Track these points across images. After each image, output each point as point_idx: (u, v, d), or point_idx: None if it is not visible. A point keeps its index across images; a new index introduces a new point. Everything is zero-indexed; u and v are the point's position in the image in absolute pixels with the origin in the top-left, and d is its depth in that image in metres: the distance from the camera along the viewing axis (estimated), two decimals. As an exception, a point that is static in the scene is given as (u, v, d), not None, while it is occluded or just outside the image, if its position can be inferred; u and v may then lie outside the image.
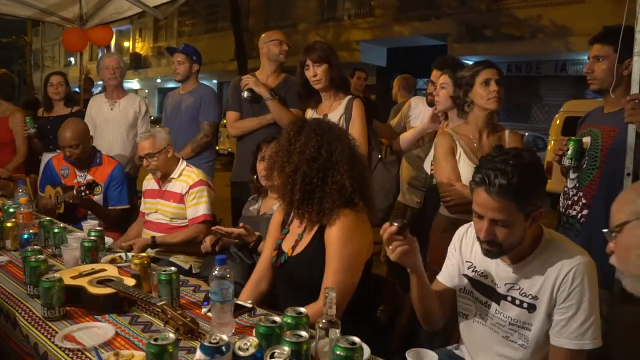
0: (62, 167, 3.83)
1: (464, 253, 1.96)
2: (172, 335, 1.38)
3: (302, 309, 1.60)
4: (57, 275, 1.94)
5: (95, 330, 1.80)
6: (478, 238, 1.75)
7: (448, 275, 1.99)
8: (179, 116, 4.24)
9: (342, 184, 2.02)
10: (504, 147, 1.75)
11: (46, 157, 4.50)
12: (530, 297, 1.74)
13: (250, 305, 1.97)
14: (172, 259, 3.28)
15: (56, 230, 2.62)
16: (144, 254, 2.21)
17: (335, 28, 16.83)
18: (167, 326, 1.74)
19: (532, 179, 1.64)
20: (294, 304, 2.03)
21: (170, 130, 4.23)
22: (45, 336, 1.76)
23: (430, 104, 3.57)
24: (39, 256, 2.15)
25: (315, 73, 3.13)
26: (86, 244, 2.39)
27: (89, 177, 3.68)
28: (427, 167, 3.27)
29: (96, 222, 3.09)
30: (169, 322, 1.73)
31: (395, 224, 1.68)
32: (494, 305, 1.84)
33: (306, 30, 17.53)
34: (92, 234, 2.55)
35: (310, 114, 3.31)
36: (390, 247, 1.70)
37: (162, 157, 3.27)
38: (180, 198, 3.31)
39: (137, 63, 26.69)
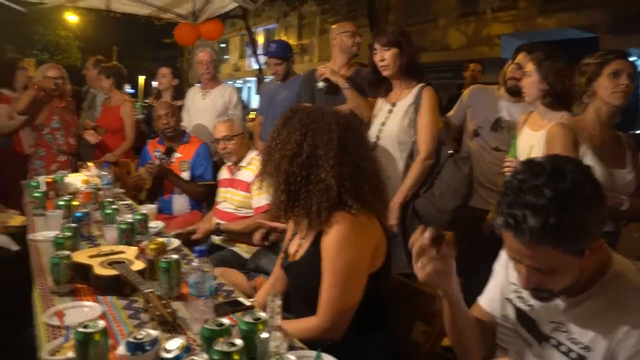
0: (155, 150, 4.06)
1: (510, 271, 1.51)
2: (102, 324, 1.30)
3: (262, 315, 1.41)
4: (66, 252, 1.97)
5: (83, 310, 1.78)
6: None
7: (489, 298, 1.61)
8: (273, 107, 4.25)
9: (328, 184, 1.75)
10: (535, 163, 1.24)
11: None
12: (580, 346, 1.32)
13: (249, 304, 1.84)
14: (234, 247, 3.28)
15: (108, 211, 2.69)
16: (160, 240, 2.18)
17: (476, 22, 16.05)
18: (146, 314, 1.68)
19: (579, 210, 1.17)
20: (299, 310, 1.88)
21: (264, 121, 4.30)
22: (43, 309, 1.78)
23: (513, 90, 3.20)
24: (67, 233, 2.21)
25: (383, 58, 2.91)
26: (122, 226, 2.42)
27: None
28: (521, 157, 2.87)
29: (154, 206, 3.18)
30: (148, 310, 1.67)
31: (427, 234, 1.31)
32: (535, 345, 1.44)
33: (446, 25, 16.97)
34: (137, 217, 2.59)
35: (380, 103, 3.11)
36: (419, 263, 1.35)
37: (237, 141, 3.32)
38: (247, 187, 3.31)
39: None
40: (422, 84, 2.92)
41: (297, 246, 1.97)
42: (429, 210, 2.84)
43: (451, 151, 2.89)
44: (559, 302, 1.35)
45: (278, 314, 1.33)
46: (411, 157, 2.90)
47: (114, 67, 5.13)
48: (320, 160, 1.77)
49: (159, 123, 3.99)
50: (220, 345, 1.21)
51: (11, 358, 2.26)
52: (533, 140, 2.68)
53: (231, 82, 29.11)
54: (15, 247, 3.08)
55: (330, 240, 1.76)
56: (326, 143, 1.77)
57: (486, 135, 3.27)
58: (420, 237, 1.32)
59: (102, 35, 25.19)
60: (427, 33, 17.35)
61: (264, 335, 1.28)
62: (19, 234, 3.00)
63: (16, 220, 3.38)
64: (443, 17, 17.28)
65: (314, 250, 1.82)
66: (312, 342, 1.58)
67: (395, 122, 2.93)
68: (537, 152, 2.57)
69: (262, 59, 4.31)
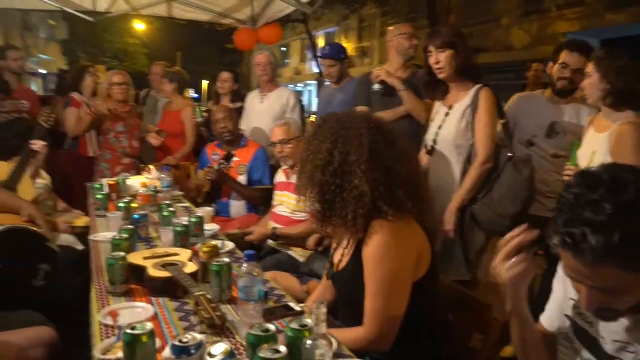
0: (214, 153, 4.13)
1: (569, 287, 1.39)
2: (149, 326, 1.31)
3: (309, 322, 1.38)
4: (121, 253, 2.01)
5: (137, 310, 1.82)
6: None
7: (549, 316, 1.51)
8: (330, 111, 4.25)
9: (362, 190, 1.70)
10: (591, 174, 1.14)
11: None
12: None
13: (299, 310, 1.82)
14: (290, 251, 3.29)
15: (165, 214, 2.75)
16: (213, 243, 2.19)
17: (540, 21, 15.50)
18: (196, 317, 1.69)
19: None
20: (346, 319, 1.85)
21: (322, 125, 4.31)
22: (98, 309, 1.83)
23: (563, 90, 3.05)
24: (124, 235, 2.27)
25: (438, 60, 2.84)
26: (177, 229, 2.46)
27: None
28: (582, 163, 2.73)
29: (210, 209, 3.22)
30: (198, 312, 1.68)
31: (531, 235, 1.25)
32: None
33: (509, 25, 16.49)
34: (192, 219, 2.62)
35: (437, 106, 3.04)
36: (506, 262, 1.29)
37: (294, 145, 3.33)
38: (303, 191, 3.31)
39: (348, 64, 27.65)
40: (479, 85, 2.83)
41: (340, 256, 1.94)
42: (488, 215, 2.75)
43: (511, 154, 2.78)
44: (624, 321, 1.24)
45: (323, 322, 1.31)
46: (469, 161, 2.81)
47: (178, 73, 5.26)
48: (353, 166, 1.73)
49: (217, 127, 4.06)
50: (264, 352, 1.20)
51: (76, 353, 2.33)
52: (596, 144, 2.54)
53: (292, 86, 29.41)
54: (80, 247, 3.20)
55: (371, 250, 1.72)
56: (357, 148, 1.73)
57: (542, 143, 3.14)
58: (519, 236, 1.28)
59: (167, 41, 26.02)
60: (489, 33, 16.93)
61: (309, 343, 1.26)
62: (84, 234, 3.12)
63: (81, 220, 3.52)
64: (506, 17, 16.80)
65: (356, 261, 1.79)
66: (361, 352, 1.55)
67: (452, 126, 2.85)
68: (601, 158, 2.44)
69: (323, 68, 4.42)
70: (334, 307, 2.00)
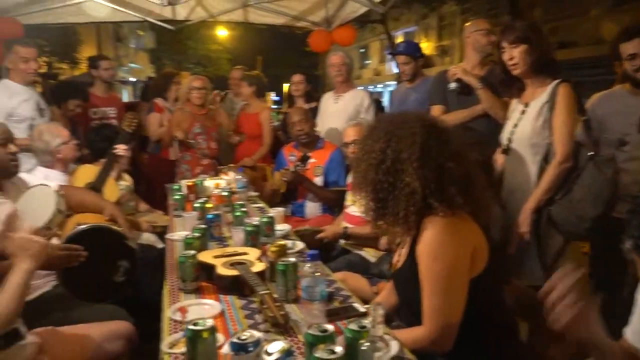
0: (290, 154, 4.20)
1: None
2: (210, 322, 1.35)
3: (368, 323, 1.37)
4: (192, 251, 2.08)
5: (204, 307, 1.87)
6: None
7: (634, 331, 1.40)
8: (403, 110, 4.21)
9: (413, 187, 1.70)
10: None
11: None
12: None
13: (363, 311, 1.81)
14: (361, 252, 3.28)
15: (237, 214, 2.81)
16: (282, 242, 2.22)
17: (632, 11, 14.59)
18: (260, 315, 1.72)
19: None
20: (407, 320, 1.83)
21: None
22: (169, 304, 1.90)
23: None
24: (196, 234, 2.34)
25: (512, 56, 2.73)
26: (248, 229, 2.51)
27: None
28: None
29: (282, 209, 3.27)
30: (262, 311, 1.70)
31: (567, 282, 1.17)
32: None
33: (598, 16, 15.63)
34: (263, 219, 2.67)
35: (513, 104, 2.93)
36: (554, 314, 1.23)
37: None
38: (376, 190, 3.30)
39: (425, 63, 27.24)
40: (557, 81, 2.70)
41: (398, 256, 1.93)
42: (566, 217, 2.61)
43: (592, 153, 2.63)
44: None
45: (380, 324, 1.29)
46: (546, 160, 2.69)
47: (256, 76, 5.39)
48: (404, 164, 1.72)
49: (293, 129, 4.12)
50: (320, 352, 1.20)
51: (152, 347, 2.44)
52: None
53: (372, 87, 29.32)
54: (160, 245, 3.34)
55: (423, 246, 1.72)
56: (409, 146, 1.73)
57: (637, 139, 2.92)
58: (557, 286, 1.21)
59: (248, 46, 26.66)
60: (577, 26, 16.12)
61: (366, 344, 1.25)
62: (164, 233, 3.25)
63: (162, 220, 3.67)
64: (595, 8, 15.96)
65: (411, 259, 1.78)
66: (423, 353, 1.52)
67: (528, 123, 2.74)
68: None
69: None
70: (398, 308, 1.98)
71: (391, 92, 4.85)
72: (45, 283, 2.50)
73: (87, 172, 3.36)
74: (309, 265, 1.68)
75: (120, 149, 3.60)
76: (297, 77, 5.21)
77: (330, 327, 1.35)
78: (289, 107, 5.29)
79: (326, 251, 3.31)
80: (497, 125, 3.15)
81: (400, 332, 1.70)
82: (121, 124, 3.90)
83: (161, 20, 6.07)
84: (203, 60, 27.17)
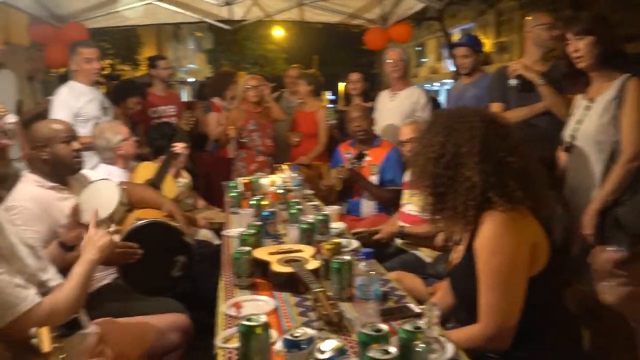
0: (346, 152, 4.19)
1: None
2: (264, 318, 1.35)
3: (423, 324, 1.34)
4: (247, 248, 2.10)
5: (259, 303, 1.88)
6: None
7: None
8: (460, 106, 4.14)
9: (473, 181, 1.67)
10: None
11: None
12: None
13: (418, 311, 1.77)
14: (417, 251, 3.23)
15: (293, 211, 2.82)
16: (337, 240, 2.21)
17: None
18: (314, 313, 1.71)
19: None
20: (463, 321, 1.79)
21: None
22: (224, 300, 1.93)
23: None
24: (251, 231, 2.36)
25: (577, 48, 2.62)
26: (303, 226, 2.51)
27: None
28: None
29: (337, 207, 3.25)
30: (316, 308, 1.70)
31: (610, 255, 1.17)
32: None
33: (670, 8, 14.88)
34: (318, 217, 2.67)
35: (578, 100, 2.82)
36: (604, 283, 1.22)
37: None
38: (432, 189, 3.25)
39: (484, 60, 26.69)
40: (626, 75, 2.57)
41: (455, 252, 1.90)
42: (634, 219, 2.49)
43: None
44: None
45: (436, 325, 1.26)
46: (612, 159, 2.57)
47: (314, 75, 5.42)
48: (464, 158, 1.71)
49: (352, 125, 4.10)
50: (374, 352, 1.18)
51: (208, 340, 2.48)
52: None
53: (428, 85, 28.93)
54: (217, 241, 3.40)
55: (482, 240, 1.68)
56: (469, 140, 1.71)
57: None
58: (604, 254, 1.18)
59: (304, 45, 26.81)
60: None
61: (421, 345, 1.22)
62: (221, 230, 3.30)
63: (219, 217, 3.73)
64: (667, 0, 15.19)
65: (469, 255, 1.74)
66: (478, 354, 1.48)
67: (593, 120, 2.62)
68: None
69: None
70: (455, 309, 1.94)
71: (448, 90, 4.77)
72: (106, 276, 2.58)
73: (147, 169, 3.46)
74: (363, 263, 1.66)
75: (178, 146, 3.67)
76: (354, 76, 5.19)
77: (384, 326, 1.32)
78: (346, 105, 5.28)
79: (381, 250, 3.28)
80: (559, 123, 3.03)
81: (455, 331, 1.67)
82: (179, 123, 3.99)
83: (218, 21, 6.18)
84: (260, 60, 27.48)
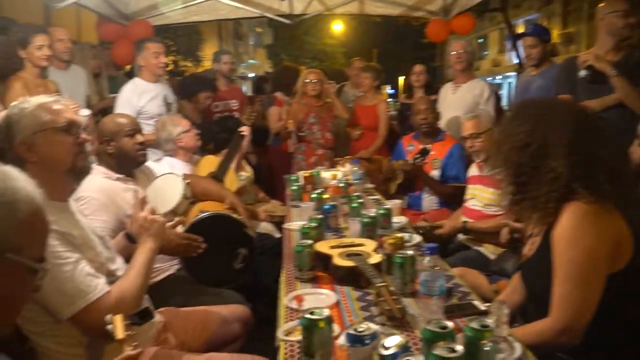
0: (409, 144, 4.14)
1: None
2: (327, 312, 1.33)
3: (490, 322, 1.29)
4: (309, 241, 2.09)
5: (320, 297, 1.87)
6: None
7: None
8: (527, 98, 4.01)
9: (558, 172, 1.61)
10: None
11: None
12: None
13: (483, 309, 1.72)
14: (480, 247, 3.15)
15: (354, 205, 2.80)
16: (399, 235, 2.17)
17: None
18: (376, 307, 1.69)
19: None
20: (532, 319, 1.73)
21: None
22: (286, 292, 1.93)
23: None
24: (312, 224, 2.36)
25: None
26: (364, 220, 2.48)
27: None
28: None
29: (399, 202, 3.21)
30: (378, 303, 1.67)
31: None
32: None
33: None
34: (380, 211, 2.64)
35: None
36: None
37: (485, 139, 3.20)
38: (497, 184, 3.16)
39: (550, 51, 25.83)
40: None
41: (530, 245, 1.84)
42: None
43: None
44: None
45: (505, 323, 1.21)
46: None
47: (376, 68, 5.38)
48: (552, 148, 1.65)
49: (417, 118, 4.05)
50: (439, 350, 1.14)
51: (267, 331, 2.50)
52: None
53: (490, 78, 28.23)
54: (277, 235, 3.42)
55: (561, 231, 1.62)
56: (558, 131, 1.66)
57: None
58: None
59: (363, 39, 26.71)
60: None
61: (489, 345, 1.17)
62: (281, 223, 3.32)
63: (279, 210, 3.76)
64: None
65: (545, 247, 1.69)
66: (547, 353, 1.41)
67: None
68: None
69: (522, 50, 4.14)
70: (522, 307, 1.87)
71: (510, 83, 4.66)
72: (169, 267, 2.64)
73: (210, 163, 3.52)
74: (428, 259, 1.62)
75: (244, 129, 3.79)
76: (418, 68, 5.13)
77: (449, 324, 1.28)
78: (407, 97, 5.22)
79: (443, 245, 3.22)
80: (633, 116, 2.88)
81: (522, 327, 1.62)
82: (241, 117, 4.04)
83: (279, 15, 6.22)
84: (319, 55, 27.58)
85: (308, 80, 4.77)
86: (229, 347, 2.25)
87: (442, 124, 4.31)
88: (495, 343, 1.19)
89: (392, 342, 1.20)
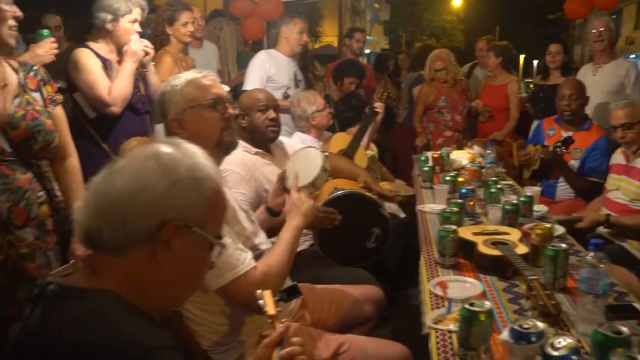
0: (550, 128, 3.89)
1: None
2: (488, 305, 1.29)
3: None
4: (453, 226, 2.04)
5: (465, 285, 1.82)
6: None
7: None
8: None
9: None
10: None
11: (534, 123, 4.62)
12: None
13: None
14: (624, 243, 2.92)
15: (492, 190, 2.70)
16: (547, 225, 2.05)
17: None
18: (527, 301, 1.61)
19: None
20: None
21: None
22: (427, 278, 1.90)
23: None
24: (454, 208, 2.30)
25: None
26: (506, 207, 2.39)
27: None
28: None
29: (538, 189, 3.05)
30: (530, 297, 1.59)
31: None
32: None
33: None
34: (522, 199, 2.53)
35: None
36: None
37: (638, 129, 2.94)
38: (648, 176, 2.91)
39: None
40: None
41: None
42: None
43: None
44: None
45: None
46: None
47: (505, 47, 5.13)
48: None
49: (561, 104, 3.78)
50: (619, 357, 1.07)
51: (399, 314, 2.48)
52: None
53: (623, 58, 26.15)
54: (402, 215, 3.39)
55: None
56: None
57: None
58: None
59: (483, 16, 25.66)
60: None
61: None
62: (405, 203, 3.28)
63: (403, 189, 3.72)
64: None
65: None
66: None
67: None
68: None
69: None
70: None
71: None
72: (302, 242, 2.67)
73: (341, 140, 3.53)
74: (591, 254, 1.52)
75: (378, 105, 3.77)
76: (554, 47, 4.77)
77: (624, 329, 1.20)
78: (542, 79, 4.91)
79: (581, 237, 3.03)
80: None
81: None
82: (375, 97, 4.02)
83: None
84: (437, 32, 26.87)
85: (435, 69, 4.73)
86: (360, 328, 2.25)
87: (589, 110, 4.01)
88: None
89: (562, 343, 1.14)
